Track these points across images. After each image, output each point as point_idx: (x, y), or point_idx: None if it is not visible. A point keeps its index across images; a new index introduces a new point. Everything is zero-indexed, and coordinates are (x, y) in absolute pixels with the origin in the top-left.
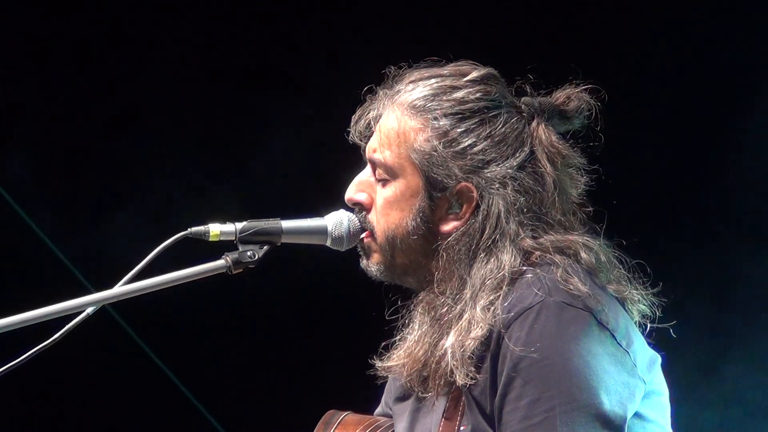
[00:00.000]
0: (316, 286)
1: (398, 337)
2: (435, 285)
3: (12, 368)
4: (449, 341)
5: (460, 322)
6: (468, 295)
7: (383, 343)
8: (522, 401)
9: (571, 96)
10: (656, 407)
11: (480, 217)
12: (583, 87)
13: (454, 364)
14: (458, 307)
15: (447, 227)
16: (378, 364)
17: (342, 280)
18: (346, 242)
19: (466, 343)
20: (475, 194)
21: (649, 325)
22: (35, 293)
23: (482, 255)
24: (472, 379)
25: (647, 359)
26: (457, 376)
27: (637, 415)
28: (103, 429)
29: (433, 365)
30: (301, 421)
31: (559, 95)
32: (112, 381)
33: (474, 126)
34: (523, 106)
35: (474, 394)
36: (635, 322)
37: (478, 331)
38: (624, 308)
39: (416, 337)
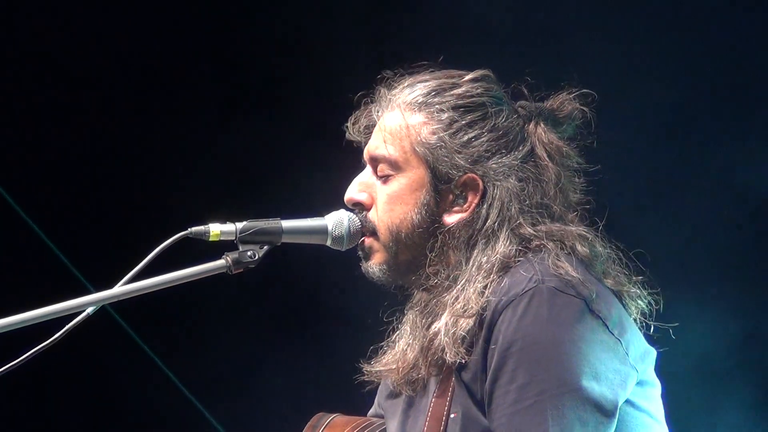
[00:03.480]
0: (315, 286)
1: (386, 342)
2: (428, 268)
3: (12, 368)
4: (442, 321)
5: (455, 305)
6: (463, 280)
7: (371, 347)
8: (513, 385)
9: (565, 102)
10: (649, 397)
11: (484, 207)
12: (576, 92)
13: (446, 341)
14: (454, 290)
15: (451, 219)
16: (366, 368)
17: (342, 279)
18: (346, 242)
19: (459, 323)
20: (480, 184)
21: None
22: (35, 293)
23: (483, 241)
24: (461, 358)
25: (641, 350)
26: (448, 354)
27: (629, 402)
28: (103, 428)
29: (426, 344)
30: (301, 421)
31: (553, 101)
32: (111, 380)
33: (477, 119)
34: (520, 109)
35: (465, 379)
36: (632, 317)
37: (470, 312)
38: (620, 301)
39: (408, 340)
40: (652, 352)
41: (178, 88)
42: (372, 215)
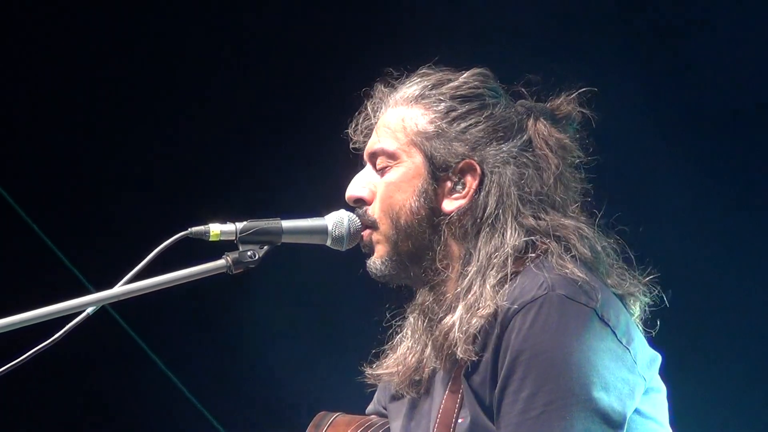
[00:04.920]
0: (315, 286)
1: (388, 345)
2: (433, 264)
3: (12, 368)
4: (457, 314)
5: (468, 297)
6: (473, 270)
7: (373, 351)
8: (521, 394)
9: (563, 103)
10: (655, 404)
11: (483, 193)
12: (577, 92)
13: (459, 336)
14: (464, 282)
15: (451, 207)
16: (368, 371)
17: (342, 279)
18: (346, 242)
19: (473, 321)
20: (478, 170)
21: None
22: (35, 293)
23: (486, 230)
24: (470, 357)
25: (647, 357)
26: (459, 350)
27: (636, 411)
28: (103, 429)
29: (439, 338)
30: (303, 421)
31: (552, 102)
32: (112, 381)
33: (475, 108)
34: (519, 107)
35: (473, 385)
36: (635, 320)
37: (485, 311)
38: (624, 305)
39: (409, 344)
40: (658, 358)
41: (177, 88)
42: (372, 209)
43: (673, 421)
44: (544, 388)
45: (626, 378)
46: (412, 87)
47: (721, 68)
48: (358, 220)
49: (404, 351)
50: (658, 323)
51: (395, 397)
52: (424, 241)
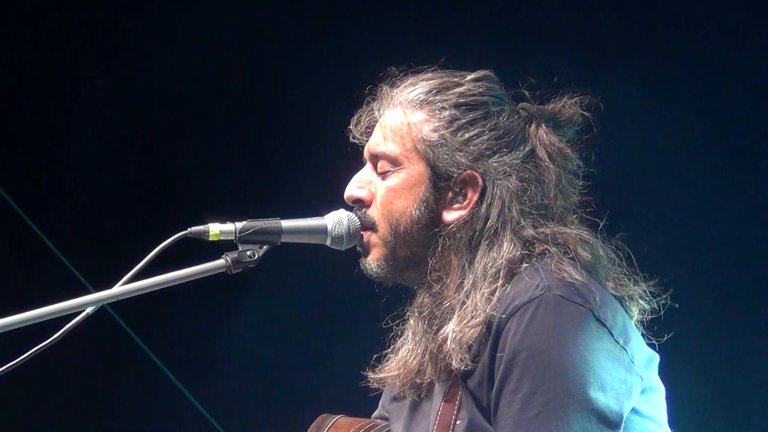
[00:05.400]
0: (316, 286)
1: (390, 349)
2: (430, 274)
3: (12, 368)
4: (450, 327)
5: (463, 309)
6: (469, 283)
7: (375, 355)
8: (518, 394)
9: (566, 105)
10: (653, 403)
11: (484, 206)
12: (578, 97)
13: (453, 348)
14: (460, 295)
15: (451, 217)
16: (371, 375)
17: (343, 280)
18: (346, 241)
19: (466, 331)
20: (480, 181)
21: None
22: (35, 293)
23: (485, 243)
24: (466, 366)
25: (645, 357)
26: (454, 361)
27: (634, 410)
28: (103, 429)
29: (435, 350)
30: (301, 420)
31: (554, 104)
32: (112, 381)
33: (479, 117)
34: (521, 111)
35: (471, 386)
36: (634, 321)
37: (477, 320)
38: (623, 306)
39: (410, 347)
40: (656, 358)
41: (177, 87)
42: (372, 211)
43: (672, 421)
44: (541, 388)
45: (623, 377)
46: (416, 89)
47: (720, 70)
48: (358, 220)
49: (405, 354)
50: (665, 336)
51: (396, 399)
52: (422, 248)
